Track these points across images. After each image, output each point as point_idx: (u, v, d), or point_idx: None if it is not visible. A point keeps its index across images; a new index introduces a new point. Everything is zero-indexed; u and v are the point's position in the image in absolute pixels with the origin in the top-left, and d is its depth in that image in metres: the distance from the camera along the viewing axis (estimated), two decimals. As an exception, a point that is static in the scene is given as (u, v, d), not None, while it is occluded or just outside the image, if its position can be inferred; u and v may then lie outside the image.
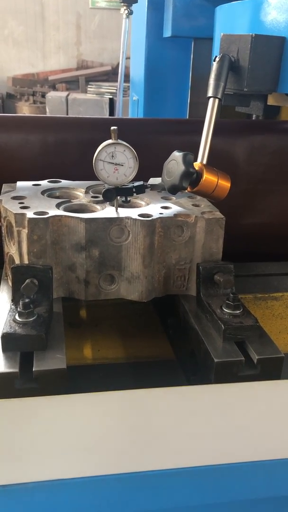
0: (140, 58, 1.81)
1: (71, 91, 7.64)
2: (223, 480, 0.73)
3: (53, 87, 7.90)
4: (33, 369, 0.83)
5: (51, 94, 7.17)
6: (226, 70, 0.95)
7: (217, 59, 0.96)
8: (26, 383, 0.83)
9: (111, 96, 6.78)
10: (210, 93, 0.97)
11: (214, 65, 0.96)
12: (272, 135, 1.52)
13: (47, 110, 7.00)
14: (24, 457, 0.70)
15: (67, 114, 6.82)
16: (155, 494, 0.72)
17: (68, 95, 7.11)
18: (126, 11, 1.65)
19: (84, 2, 8.08)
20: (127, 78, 2.19)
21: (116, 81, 2.47)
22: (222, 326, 0.91)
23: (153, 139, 1.48)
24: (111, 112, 6.72)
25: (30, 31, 8.06)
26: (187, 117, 1.73)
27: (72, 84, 7.93)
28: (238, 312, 0.94)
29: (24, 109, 7.58)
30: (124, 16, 1.69)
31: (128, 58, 2.07)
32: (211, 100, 0.98)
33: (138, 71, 1.87)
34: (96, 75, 7.94)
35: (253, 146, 1.54)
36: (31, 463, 0.69)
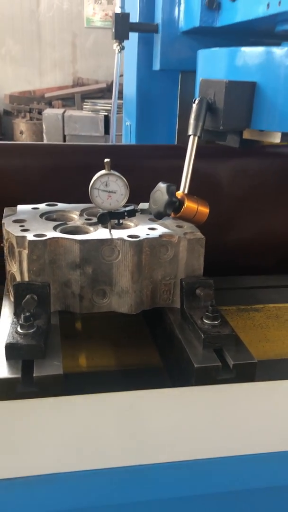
0: (132, 87, 1.92)
1: (67, 108, 7.76)
2: (205, 472, 0.81)
3: (50, 104, 8.03)
4: (34, 375, 0.92)
5: (48, 111, 7.29)
6: (204, 111, 1.07)
7: (196, 101, 1.08)
8: (27, 387, 0.92)
9: (106, 113, 6.92)
10: (190, 131, 1.10)
11: (194, 106, 1.08)
12: (252, 159, 1.64)
13: (44, 126, 7.11)
14: (25, 452, 0.78)
15: (63, 131, 6.95)
16: (145, 486, 0.79)
17: (64, 112, 7.23)
18: (118, 47, 1.77)
19: (79, 21, 8.26)
20: (120, 94, 2.30)
21: (111, 98, 2.58)
22: (202, 335, 1.02)
23: (143, 164, 1.60)
24: (106, 128, 6.86)
25: (27, 49, 8.22)
26: (176, 143, 1.84)
27: (68, 101, 8.07)
28: (216, 322, 1.05)
29: (21, 126, 7.71)
30: (117, 51, 1.81)
31: (121, 75, 2.19)
32: (191, 137, 1.11)
33: (130, 99, 1.99)
34: (91, 92, 8.09)
35: (235, 169, 1.66)
36: (32, 457, 0.77)
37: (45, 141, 7.09)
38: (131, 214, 1.17)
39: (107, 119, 6.88)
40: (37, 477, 0.74)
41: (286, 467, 0.85)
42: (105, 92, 8.00)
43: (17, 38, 8.10)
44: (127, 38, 1.67)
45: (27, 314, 1.00)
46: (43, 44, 8.25)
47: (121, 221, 1.17)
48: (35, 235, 1.09)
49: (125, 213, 1.15)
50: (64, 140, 7.01)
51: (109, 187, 1.12)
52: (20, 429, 0.82)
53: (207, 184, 1.65)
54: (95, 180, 1.12)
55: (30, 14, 8.05)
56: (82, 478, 0.76)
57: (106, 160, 1.11)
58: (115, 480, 0.77)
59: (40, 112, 7.58)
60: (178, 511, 0.84)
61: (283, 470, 0.84)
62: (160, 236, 1.13)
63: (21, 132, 7.70)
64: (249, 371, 0.99)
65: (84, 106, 7.35)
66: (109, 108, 6.69)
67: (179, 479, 0.80)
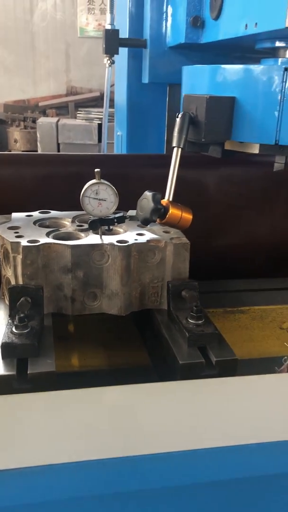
0: (123, 98, 2.00)
1: (61, 117, 7.85)
2: (191, 463, 0.85)
3: (44, 113, 8.11)
4: (28, 372, 0.98)
5: (42, 120, 7.36)
6: (187, 124, 1.14)
7: (179, 115, 1.16)
8: (22, 384, 0.98)
9: (99, 122, 7.00)
10: (174, 143, 1.17)
11: (177, 120, 1.15)
12: (237, 168, 1.71)
13: (38, 135, 7.18)
14: (20, 444, 0.81)
15: (57, 139, 7.02)
16: (134, 476, 0.82)
17: (58, 120, 7.30)
18: (109, 61, 1.84)
19: (73, 31, 8.37)
20: (112, 102, 2.37)
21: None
22: (187, 334, 1.08)
23: (132, 172, 1.66)
24: (100, 137, 6.94)
25: (21, 59, 8.30)
26: (165, 152, 1.91)
27: (62, 109, 8.16)
28: (200, 322, 1.11)
29: (16, 134, 7.77)
30: (107, 65, 1.88)
31: (112, 85, 2.26)
32: (175, 149, 1.18)
33: (121, 110, 2.06)
34: (85, 101, 8.17)
35: (221, 176, 1.73)
36: (26, 449, 0.81)
37: (39, 150, 7.17)
38: (121, 220, 1.23)
39: (100, 127, 6.96)
40: (32, 468, 0.78)
41: (267, 457, 0.90)
42: (98, 101, 8.08)
43: (11, 48, 8.18)
44: (117, 53, 1.74)
45: (22, 315, 1.06)
46: (37, 53, 8.34)
47: (111, 227, 1.23)
48: (29, 241, 1.15)
49: (115, 220, 1.22)
50: (58, 149, 7.09)
51: (99, 195, 1.19)
52: (15, 423, 0.86)
53: (195, 191, 1.72)
54: (86, 189, 1.18)
55: (24, 24, 8.15)
56: (74, 469, 0.79)
57: (96, 170, 1.18)
58: (106, 471, 0.81)
59: (34, 121, 7.66)
60: (165, 501, 0.90)
61: (264, 460, 0.90)
62: (148, 241, 1.19)
63: (16, 141, 7.77)
64: (230, 367, 1.05)
65: (78, 115, 7.44)
66: (102, 116, 6.76)
67: (166, 470, 0.83)
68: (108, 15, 1.85)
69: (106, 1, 1.95)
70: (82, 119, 7.28)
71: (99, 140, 6.99)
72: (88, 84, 8.56)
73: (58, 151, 7.09)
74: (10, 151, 7.85)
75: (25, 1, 8.06)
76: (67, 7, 8.26)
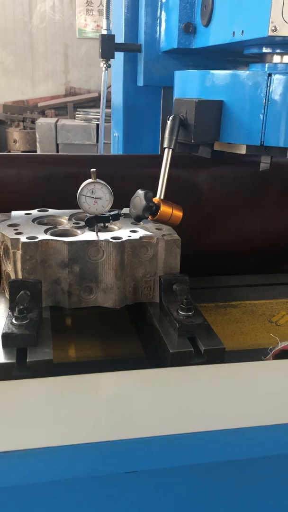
0: (119, 101, 2.06)
1: (59, 117, 7.91)
2: (181, 446, 0.89)
3: (43, 113, 8.17)
4: (27, 360, 1.04)
5: (41, 121, 7.42)
6: (177, 126, 1.20)
7: (170, 118, 1.22)
8: (21, 371, 1.03)
9: (98, 122, 7.06)
10: (165, 145, 1.23)
11: (168, 123, 1.21)
12: (228, 168, 1.77)
13: (37, 135, 7.25)
14: (20, 427, 0.86)
15: (56, 140, 7.09)
16: (128, 459, 0.87)
17: (57, 121, 7.36)
18: (105, 65, 1.90)
19: (71, 32, 8.43)
20: (109, 102, 2.42)
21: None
22: (177, 324, 1.14)
23: (128, 172, 1.72)
24: (98, 137, 7.00)
25: (20, 60, 8.37)
26: (159, 153, 1.97)
27: (60, 110, 8.22)
28: (190, 313, 1.17)
29: (15, 135, 7.83)
30: (104, 69, 1.94)
31: (109, 86, 2.33)
32: (166, 150, 1.24)
33: (117, 112, 2.13)
34: (83, 102, 8.24)
35: (213, 176, 1.79)
36: (26, 432, 0.85)
37: (38, 150, 7.23)
38: (115, 218, 1.30)
39: (99, 127, 7.00)
40: (31, 450, 0.82)
41: (252, 440, 0.96)
42: (97, 101, 8.15)
43: (10, 49, 8.25)
44: (113, 57, 1.80)
45: (21, 307, 1.11)
46: (35, 55, 8.40)
47: (106, 224, 1.30)
48: (28, 238, 1.21)
49: (110, 217, 1.28)
50: (57, 149, 7.15)
51: (95, 194, 1.25)
52: (15, 407, 0.91)
53: (188, 191, 1.78)
54: (82, 188, 1.25)
55: (23, 26, 8.21)
56: (72, 451, 0.84)
57: (92, 170, 1.24)
58: (101, 453, 0.86)
59: (33, 121, 7.72)
60: (157, 482, 0.95)
61: (250, 443, 0.95)
62: (141, 237, 1.26)
63: (15, 141, 7.83)
64: (218, 356, 1.12)
65: (77, 115, 7.50)
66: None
67: (158, 452, 0.88)
68: (104, 21, 1.91)
69: (104, 3, 2.01)
70: (81, 120, 7.34)
71: (98, 140, 7.05)
72: (86, 84, 8.63)
73: (57, 151, 7.16)
74: (9, 151, 7.92)
75: (24, 3, 8.13)
76: (66, 9, 8.33)
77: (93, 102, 8.19)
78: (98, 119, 7.03)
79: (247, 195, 1.82)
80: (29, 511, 0.90)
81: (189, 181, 1.78)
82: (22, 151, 7.77)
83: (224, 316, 1.58)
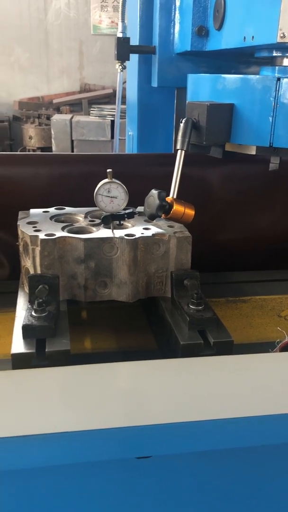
0: (133, 100, 2.11)
1: (74, 113, 7.97)
2: (190, 432, 0.94)
3: (58, 110, 8.23)
4: (46, 350, 1.10)
5: (56, 117, 7.49)
6: (189, 129, 1.24)
7: (183, 121, 1.27)
8: (40, 361, 1.10)
9: (112, 119, 7.11)
10: (178, 146, 1.28)
11: (181, 125, 1.27)
12: (239, 166, 1.81)
13: (52, 132, 7.32)
14: (40, 413, 0.91)
15: (71, 136, 7.15)
16: (140, 445, 0.93)
17: (72, 117, 7.42)
18: (120, 67, 1.96)
19: (86, 29, 8.47)
20: (124, 98, 2.46)
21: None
22: (188, 318, 1.20)
23: (141, 171, 1.77)
24: (113, 134, 7.05)
25: (35, 57, 8.43)
26: (172, 151, 2.02)
27: (75, 106, 8.28)
28: (200, 307, 1.23)
29: (30, 131, 7.91)
30: (119, 70, 1.99)
31: (125, 82, 2.37)
32: (179, 151, 1.29)
33: (132, 111, 2.18)
34: (98, 98, 8.29)
35: (224, 174, 1.83)
36: (45, 417, 0.90)
37: (53, 146, 7.30)
38: (130, 216, 1.36)
39: (113, 124, 7.06)
40: (50, 435, 0.87)
41: (259, 428, 1.00)
42: (111, 97, 8.18)
43: (26, 46, 8.31)
44: (128, 59, 1.84)
45: (40, 300, 1.18)
46: (51, 51, 8.46)
47: (121, 222, 1.36)
48: (46, 235, 1.27)
49: (125, 215, 1.34)
50: (72, 145, 7.22)
51: (111, 193, 1.31)
52: (35, 394, 0.97)
53: (200, 188, 1.83)
54: (99, 187, 1.31)
55: (38, 23, 8.27)
56: (88, 436, 0.89)
57: (108, 170, 1.30)
58: (115, 438, 0.91)
59: (48, 118, 7.77)
60: (169, 467, 1.01)
61: (255, 432, 1.00)
62: (153, 235, 1.31)
63: (30, 137, 7.91)
64: (227, 348, 1.17)
65: (91, 112, 7.55)
66: (115, 113, 6.88)
67: (170, 438, 0.93)
68: (119, 24, 1.97)
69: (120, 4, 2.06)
70: (95, 116, 7.39)
71: (112, 136, 7.10)
72: (101, 81, 8.66)
73: (72, 147, 7.22)
74: (25, 147, 8.01)
75: (39, 0, 8.19)
76: (81, 5, 8.36)
77: (108, 98, 8.22)
78: (112, 115, 7.08)
79: (257, 193, 1.86)
80: (47, 491, 0.97)
81: (201, 179, 1.82)
82: (38, 148, 7.86)
83: (235, 310, 1.63)
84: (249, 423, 0.96)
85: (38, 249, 1.26)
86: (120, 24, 1.96)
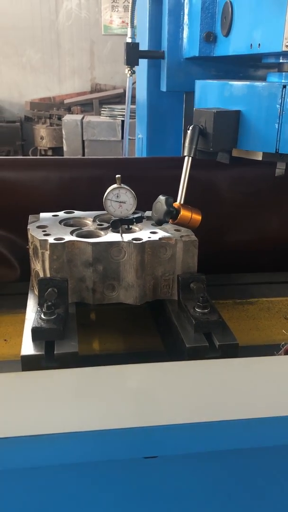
0: (143, 104, 2.14)
1: (85, 113, 8.01)
2: (195, 433, 0.96)
3: (69, 110, 8.28)
4: (55, 352, 1.12)
5: (67, 118, 7.53)
6: (196, 135, 1.26)
7: (190, 128, 1.29)
8: (49, 363, 1.12)
9: (123, 119, 7.13)
10: (185, 153, 1.30)
11: (188, 132, 1.29)
12: (247, 169, 1.82)
13: (63, 132, 7.37)
14: (50, 413, 0.93)
15: (82, 136, 7.20)
16: (146, 445, 0.94)
17: (83, 118, 7.47)
18: (130, 71, 1.98)
19: (97, 29, 8.51)
20: (134, 98, 2.49)
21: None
22: (193, 321, 1.22)
23: (150, 173, 1.79)
24: (123, 133, 7.07)
25: (47, 58, 8.50)
26: (181, 155, 2.04)
27: (86, 106, 8.32)
28: (206, 311, 1.25)
29: (42, 131, 7.97)
30: (128, 75, 2.02)
31: (134, 82, 2.40)
32: (186, 158, 1.31)
33: (142, 114, 2.20)
34: (109, 98, 8.33)
35: (232, 177, 1.84)
36: (55, 418, 0.92)
37: (64, 146, 7.35)
38: (139, 220, 1.38)
39: (123, 124, 7.08)
40: (58, 435, 0.89)
41: (263, 430, 1.02)
42: (122, 97, 8.21)
43: (38, 47, 8.38)
44: (137, 64, 1.87)
45: (49, 303, 1.20)
46: (62, 52, 8.52)
47: (130, 226, 1.38)
48: (55, 239, 1.30)
49: (134, 220, 1.36)
50: (83, 145, 7.26)
51: (120, 198, 1.33)
52: (44, 394, 0.99)
53: (208, 191, 1.84)
54: (108, 193, 1.33)
55: (50, 24, 8.33)
56: (95, 437, 0.91)
57: (117, 176, 1.32)
58: (123, 439, 0.93)
59: (59, 118, 7.82)
60: (175, 467, 1.02)
61: (259, 433, 1.02)
62: (160, 238, 1.34)
63: (42, 138, 7.97)
64: (232, 351, 1.19)
65: (102, 112, 7.58)
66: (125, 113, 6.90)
67: (176, 439, 0.95)
68: (128, 30, 1.99)
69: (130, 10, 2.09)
70: (106, 116, 7.42)
71: (123, 136, 7.12)
72: (111, 81, 8.70)
73: (83, 147, 7.27)
74: (36, 147, 8.07)
75: (51, 1, 8.24)
76: (91, 6, 8.41)
77: (118, 98, 8.26)
78: (123, 115, 7.11)
79: (265, 195, 1.87)
80: (56, 489, 1.00)
81: (208, 182, 1.84)
82: (49, 148, 7.91)
83: (242, 312, 1.65)
84: (252, 424, 0.97)
85: (47, 253, 1.29)
86: (129, 29, 1.99)
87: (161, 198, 1.29)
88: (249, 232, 1.90)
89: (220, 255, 1.78)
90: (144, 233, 1.37)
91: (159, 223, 1.32)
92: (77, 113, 8.07)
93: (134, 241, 1.30)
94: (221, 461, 1.05)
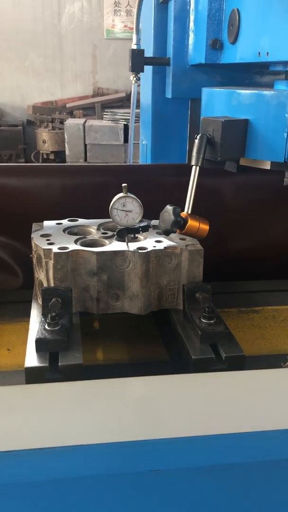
0: (148, 110, 2.12)
1: (87, 117, 8.02)
2: (201, 447, 0.95)
3: (71, 114, 8.28)
4: (59, 364, 1.11)
5: (69, 122, 7.53)
6: (204, 145, 1.25)
7: (198, 137, 1.27)
8: (53, 374, 1.11)
9: (125, 123, 7.14)
10: (193, 162, 1.28)
11: (196, 142, 1.27)
12: (252, 176, 1.81)
13: (66, 136, 7.37)
14: (53, 427, 0.92)
15: (84, 140, 7.20)
16: (150, 458, 0.93)
17: (85, 122, 7.47)
18: (135, 78, 1.97)
19: (99, 33, 8.52)
20: (138, 102, 2.45)
21: (130, 107, 2.72)
22: (199, 332, 1.20)
23: (155, 181, 1.78)
24: (126, 137, 7.08)
25: (49, 61, 8.50)
26: (186, 162, 2.03)
27: (88, 110, 8.32)
28: (212, 321, 1.23)
29: (44, 135, 7.97)
30: (133, 82, 2.01)
31: (138, 85, 2.38)
32: (193, 167, 1.29)
33: (146, 120, 2.19)
34: (111, 102, 8.33)
35: (237, 184, 1.84)
36: (58, 431, 0.91)
37: (67, 150, 7.35)
38: (145, 229, 1.36)
39: (126, 128, 7.10)
40: (61, 448, 0.89)
41: (269, 444, 1.01)
42: (124, 101, 8.23)
43: (40, 51, 8.39)
44: (142, 71, 1.85)
45: (53, 314, 1.19)
46: (64, 56, 8.52)
47: (136, 235, 1.36)
48: (59, 248, 1.28)
49: (140, 229, 1.35)
50: (85, 149, 7.26)
51: (126, 207, 1.32)
52: (48, 408, 0.98)
53: (213, 198, 1.83)
54: (114, 201, 1.32)
55: (52, 28, 8.34)
56: (99, 450, 0.91)
57: (123, 184, 1.31)
58: (126, 452, 0.92)
59: (62, 122, 7.83)
60: (178, 481, 1.01)
61: (266, 447, 1.00)
62: (165, 248, 1.32)
63: (44, 142, 7.97)
64: (239, 362, 1.17)
65: (104, 116, 7.58)
66: (128, 117, 6.91)
67: (180, 452, 0.94)
68: (134, 36, 1.98)
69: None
70: (108, 120, 7.42)
71: (125, 140, 7.13)
72: (114, 85, 8.71)
73: (85, 151, 7.27)
74: (38, 151, 8.07)
75: (53, 5, 8.25)
76: (94, 10, 8.42)
77: (121, 102, 8.26)
78: (125, 119, 7.11)
79: (270, 202, 1.86)
80: (58, 503, 0.98)
81: (214, 189, 1.83)
82: (51, 152, 7.91)
83: (246, 321, 1.63)
84: (259, 438, 0.96)
85: (51, 262, 1.27)
86: (134, 36, 1.97)
87: (169, 208, 1.27)
88: (254, 239, 1.89)
89: (224, 262, 1.76)
90: (149, 242, 1.35)
91: (166, 233, 1.31)
92: (79, 117, 8.08)
93: (139, 250, 1.28)
94: (227, 475, 1.03)
